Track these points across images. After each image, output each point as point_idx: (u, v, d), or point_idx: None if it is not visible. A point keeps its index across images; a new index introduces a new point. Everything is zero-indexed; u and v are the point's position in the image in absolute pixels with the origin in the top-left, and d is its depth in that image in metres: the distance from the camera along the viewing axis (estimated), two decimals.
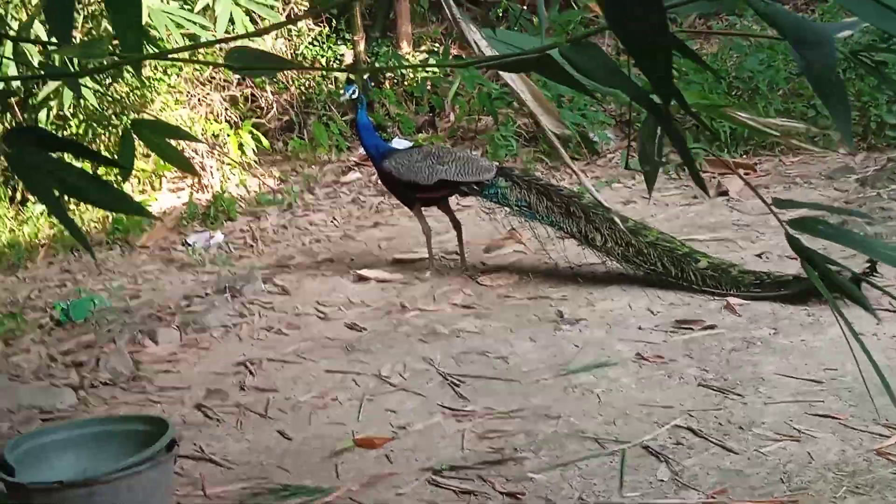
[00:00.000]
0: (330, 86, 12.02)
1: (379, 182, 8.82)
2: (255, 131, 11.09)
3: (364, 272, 7.05)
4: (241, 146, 10.80)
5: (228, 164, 10.50)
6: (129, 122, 2.63)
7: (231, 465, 4.50)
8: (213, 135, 10.79)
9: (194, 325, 6.27)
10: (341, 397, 5.10)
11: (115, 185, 2.56)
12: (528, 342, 5.51)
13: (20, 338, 6.70)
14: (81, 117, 10.17)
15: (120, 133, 9.28)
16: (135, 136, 2.74)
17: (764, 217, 7.30)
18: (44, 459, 3.44)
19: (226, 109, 11.23)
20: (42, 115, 9.63)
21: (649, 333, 5.40)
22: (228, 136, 10.77)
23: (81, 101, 8.56)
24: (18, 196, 10.51)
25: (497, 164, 7.32)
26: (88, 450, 3.49)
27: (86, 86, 8.24)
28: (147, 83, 10.32)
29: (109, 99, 10.32)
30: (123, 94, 10.42)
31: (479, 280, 6.70)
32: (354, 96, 7.29)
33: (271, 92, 11.81)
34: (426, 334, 5.80)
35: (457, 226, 7.17)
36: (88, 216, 10.20)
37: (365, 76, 10.53)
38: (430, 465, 4.25)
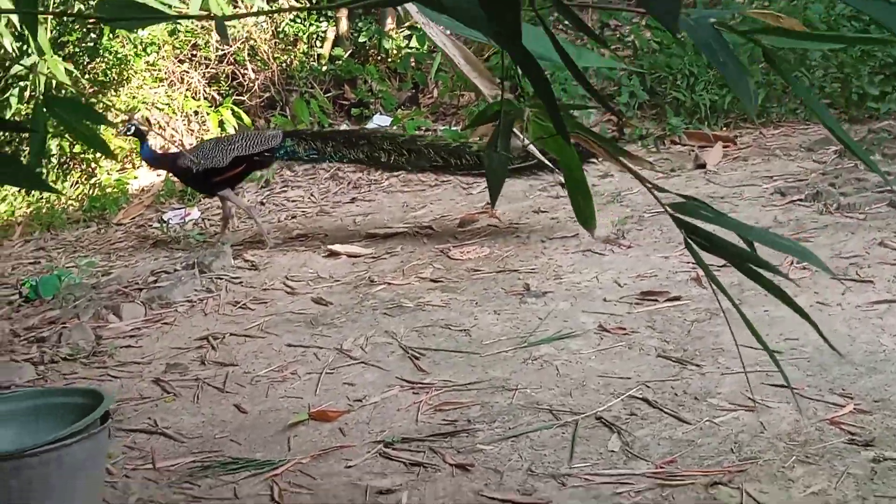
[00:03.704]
0: (312, 63, 11.92)
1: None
2: (235, 108, 11.02)
3: (335, 247, 6.99)
4: (221, 123, 10.72)
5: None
6: (42, 97, 2.56)
7: (184, 439, 4.45)
8: (193, 111, 10.73)
9: (159, 301, 6.22)
10: (300, 371, 5.04)
11: (20, 160, 2.49)
12: (492, 315, 5.45)
13: None
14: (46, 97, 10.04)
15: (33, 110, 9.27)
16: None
17: (739, 189, 7.24)
18: None
19: (206, 86, 11.15)
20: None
21: (614, 305, 5.34)
22: (208, 113, 10.70)
23: (54, 80, 8.47)
24: None
25: (282, 130, 8.19)
26: (28, 423, 3.44)
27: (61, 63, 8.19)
28: (124, 61, 10.25)
29: (87, 78, 10.28)
30: (100, 72, 10.35)
31: (450, 254, 6.63)
32: (130, 133, 7.89)
33: (252, 70, 11.70)
34: (391, 308, 5.74)
35: (226, 218, 7.94)
36: (65, 195, 10.17)
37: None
38: (382, 438, 4.20)
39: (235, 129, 10.74)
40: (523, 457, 3.91)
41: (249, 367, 5.18)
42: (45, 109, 2.65)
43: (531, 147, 2.73)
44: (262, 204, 9.00)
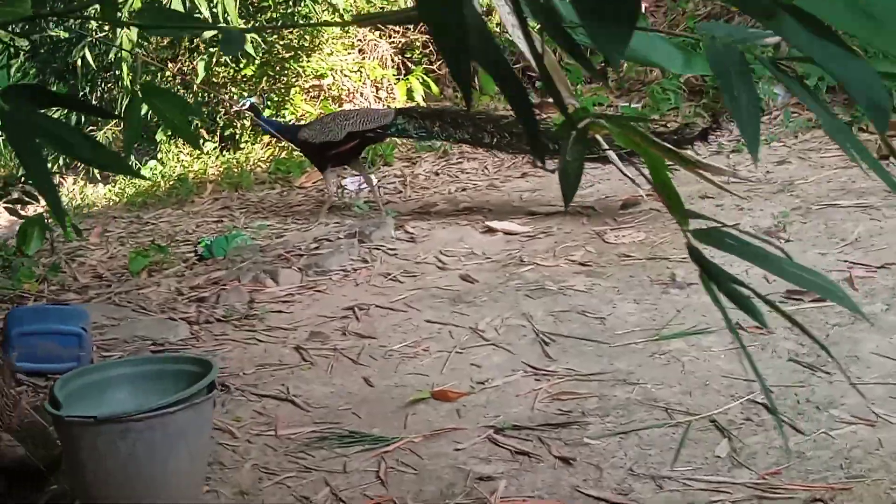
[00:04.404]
0: (506, 35, 11.94)
1: None
2: (425, 77, 11.18)
3: (493, 224, 7.05)
4: (409, 91, 10.91)
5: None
6: (140, 86, 2.70)
7: (310, 409, 4.60)
8: (382, 79, 10.97)
9: (316, 268, 6.43)
10: (433, 348, 5.13)
11: (104, 145, 2.63)
12: (632, 304, 5.40)
13: (163, 270, 7.03)
14: (244, 63, 10.44)
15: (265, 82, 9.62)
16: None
17: None
18: (102, 393, 3.62)
19: (396, 54, 11.34)
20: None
21: (757, 302, 5.19)
22: (395, 82, 10.90)
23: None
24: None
25: (394, 108, 8.45)
26: (144, 386, 3.65)
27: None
28: (317, 29, 10.55)
29: (282, 43, 10.61)
30: (294, 38, 10.68)
31: (605, 237, 6.58)
32: (246, 107, 8.42)
33: None
34: (534, 290, 5.76)
35: (368, 181, 8.25)
36: (254, 156, 10.58)
37: None
38: (495, 423, 4.24)
39: (423, 97, 10.92)
40: (628, 455, 3.88)
41: (386, 340, 5.30)
42: (141, 99, 2.79)
43: (609, 153, 2.70)
44: (437, 174, 9.14)
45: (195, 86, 10.09)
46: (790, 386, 4.26)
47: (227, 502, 3.83)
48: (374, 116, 7.87)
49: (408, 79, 11.02)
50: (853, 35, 1.39)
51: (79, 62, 10.02)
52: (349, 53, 10.93)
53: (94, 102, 10.65)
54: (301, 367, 5.09)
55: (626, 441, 3.99)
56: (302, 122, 9.16)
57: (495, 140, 7.60)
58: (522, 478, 3.82)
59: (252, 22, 9.47)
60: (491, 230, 6.99)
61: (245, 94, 10.18)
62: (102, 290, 6.59)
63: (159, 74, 10.44)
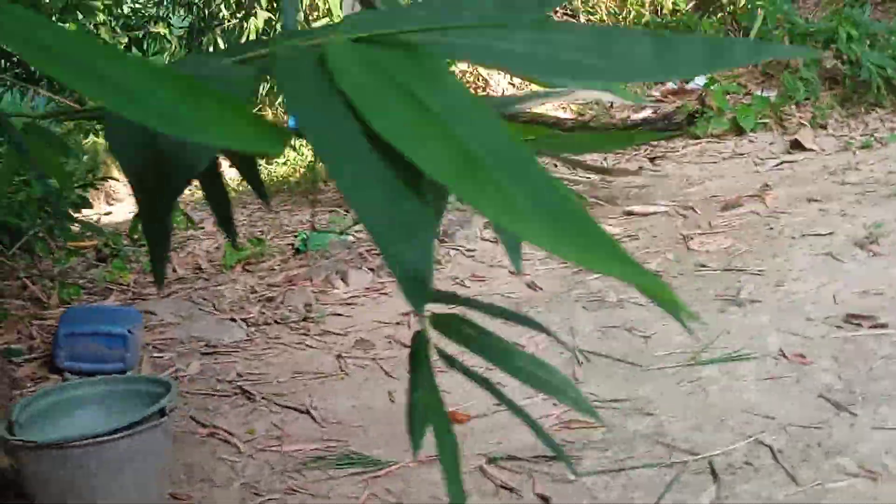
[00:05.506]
0: (651, 14, 11.56)
1: None
2: None
3: None
4: None
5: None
6: (24, 126, 2.72)
7: (324, 424, 4.57)
8: None
9: (387, 270, 6.38)
10: (468, 362, 4.98)
11: None
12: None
13: (258, 264, 7.12)
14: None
15: None
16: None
17: None
18: (67, 414, 3.68)
19: None
20: None
21: (813, 326, 4.84)
22: None
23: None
24: None
25: None
26: (109, 407, 3.69)
27: None
28: None
29: None
30: None
31: (690, 244, 6.27)
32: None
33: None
34: (592, 301, 5.55)
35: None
36: None
37: None
38: (492, 452, 4.11)
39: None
40: (609, 497, 3.68)
41: None
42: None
43: None
44: (556, 167, 8.91)
45: None
46: (808, 426, 3.95)
47: None
48: None
49: None
50: (444, 181, 1.09)
51: (210, 48, 10.27)
52: None
53: None
54: (335, 377, 5.06)
55: (614, 480, 3.79)
56: None
57: None
58: None
59: None
60: None
61: None
62: (186, 286, 6.72)
63: None
